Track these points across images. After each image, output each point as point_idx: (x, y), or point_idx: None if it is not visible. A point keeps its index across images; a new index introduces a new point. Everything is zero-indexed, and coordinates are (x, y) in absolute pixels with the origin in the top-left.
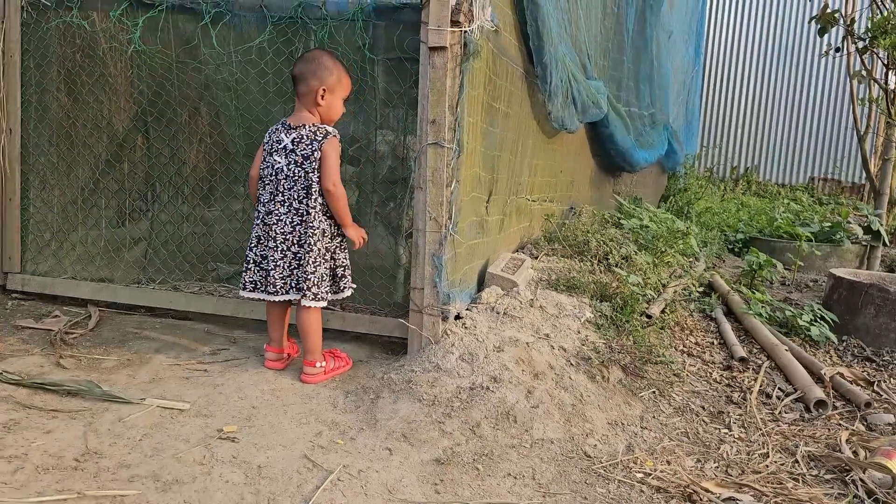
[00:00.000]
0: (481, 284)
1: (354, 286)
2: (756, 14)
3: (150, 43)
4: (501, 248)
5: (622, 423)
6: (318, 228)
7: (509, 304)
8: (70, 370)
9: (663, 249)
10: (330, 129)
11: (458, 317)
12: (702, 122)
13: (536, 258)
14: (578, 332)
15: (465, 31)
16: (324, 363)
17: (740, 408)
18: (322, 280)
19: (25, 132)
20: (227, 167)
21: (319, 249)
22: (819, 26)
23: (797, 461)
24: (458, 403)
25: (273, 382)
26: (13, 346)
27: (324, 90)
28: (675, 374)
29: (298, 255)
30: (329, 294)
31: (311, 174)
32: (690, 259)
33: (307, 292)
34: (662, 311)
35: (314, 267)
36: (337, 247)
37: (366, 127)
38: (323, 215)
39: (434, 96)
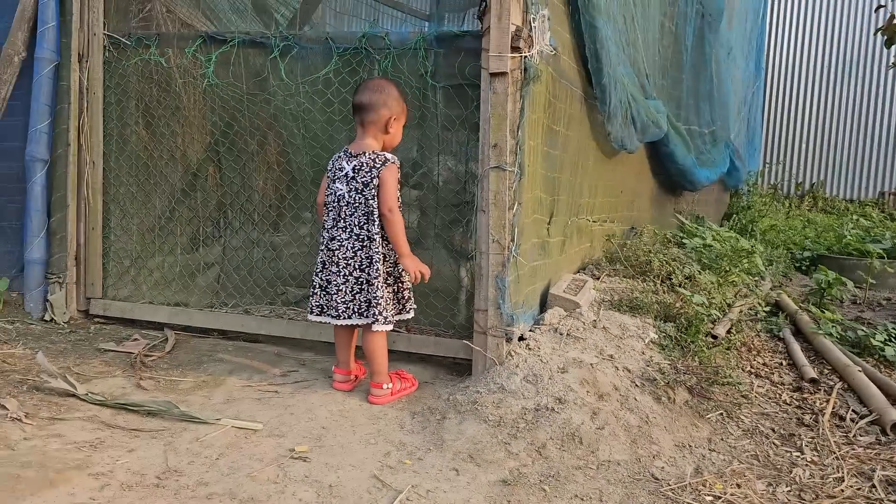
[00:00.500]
0: (544, 306)
1: (416, 307)
2: (818, 27)
3: (222, 77)
4: (563, 270)
5: (689, 445)
6: (378, 253)
7: (572, 325)
8: (150, 391)
9: (727, 269)
10: (389, 155)
11: (521, 338)
12: (764, 139)
13: (598, 279)
14: (643, 353)
15: (525, 57)
16: (390, 385)
17: (812, 430)
18: (386, 304)
19: (107, 164)
20: (295, 194)
21: (381, 274)
22: (885, 37)
23: (874, 486)
24: (524, 424)
25: (342, 403)
26: (97, 368)
27: (393, 119)
28: (742, 396)
29: (360, 279)
30: (393, 317)
31: (370, 200)
32: (756, 278)
33: (370, 317)
34: (728, 332)
35: (376, 291)
36: (401, 270)
37: (428, 152)
38: (383, 240)
39: (495, 121)
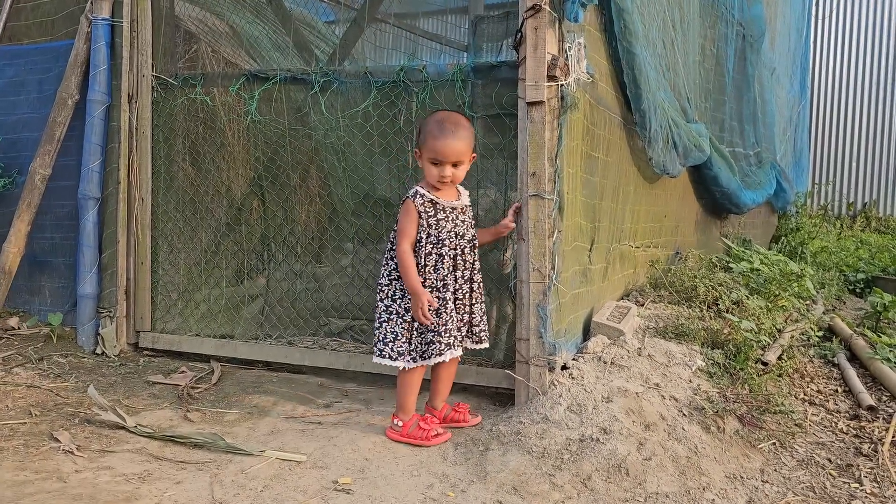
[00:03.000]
0: (587, 334)
1: (449, 350)
2: (866, 42)
3: (264, 113)
4: (606, 297)
5: (741, 477)
6: (381, 286)
7: (616, 354)
8: (196, 423)
9: (777, 293)
10: (414, 189)
11: (564, 367)
12: (812, 159)
13: (642, 305)
14: (690, 381)
15: (562, 85)
16: (400, 424)
17: (871, 460)
18: (385, 336)
19: (155, 200)
20: (337, 225)
21: (381, 306)
22: None
23: None
24: (568, 455)
25: (384, 434)
26: (145, 400)
27: (416, 155)
28: (796, 425)
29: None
30: (399, 353)
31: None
32: (807, 302)
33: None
34: (779, 358)
35: (378, 323)
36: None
37: (467, 181)
38: (388, 275)
39: (533, 149)
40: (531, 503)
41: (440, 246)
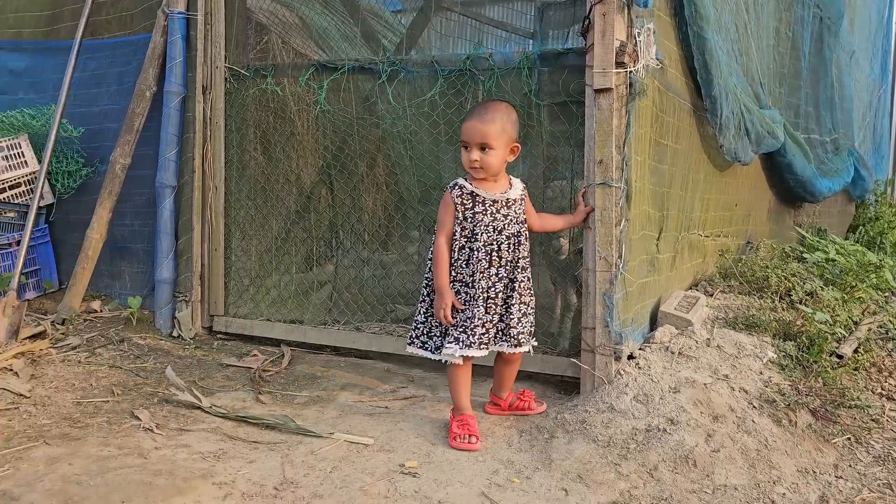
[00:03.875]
0: (654, 323)
1: (469, 350)
2: None
3: (333, 103)
4: (674, 286)
5: (813, 472)
6: (427, 277)
7: (684, 344)
8: (268, 405)
9: (853, 284)
10: (455, 180)
11: (630, 356)
12: (893, 145)
13: (711, 296)
14: (760, 374)
15: (630, 72)
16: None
17: None
18: (417, 326)
19: (228, 189)
20: (403, 214)
21: (422, 297)
22: None
23: None
24: (634, 445)
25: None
26: (219, 382)
27: None
28: (872, 420)
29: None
30: (423, 344)
31: None
32: (886, 294)
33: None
34: (855, 351)
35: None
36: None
37: (533, 170)
38: (429, 267)
39: (600, 137)
40: (597, 491)
41: (473, 240)
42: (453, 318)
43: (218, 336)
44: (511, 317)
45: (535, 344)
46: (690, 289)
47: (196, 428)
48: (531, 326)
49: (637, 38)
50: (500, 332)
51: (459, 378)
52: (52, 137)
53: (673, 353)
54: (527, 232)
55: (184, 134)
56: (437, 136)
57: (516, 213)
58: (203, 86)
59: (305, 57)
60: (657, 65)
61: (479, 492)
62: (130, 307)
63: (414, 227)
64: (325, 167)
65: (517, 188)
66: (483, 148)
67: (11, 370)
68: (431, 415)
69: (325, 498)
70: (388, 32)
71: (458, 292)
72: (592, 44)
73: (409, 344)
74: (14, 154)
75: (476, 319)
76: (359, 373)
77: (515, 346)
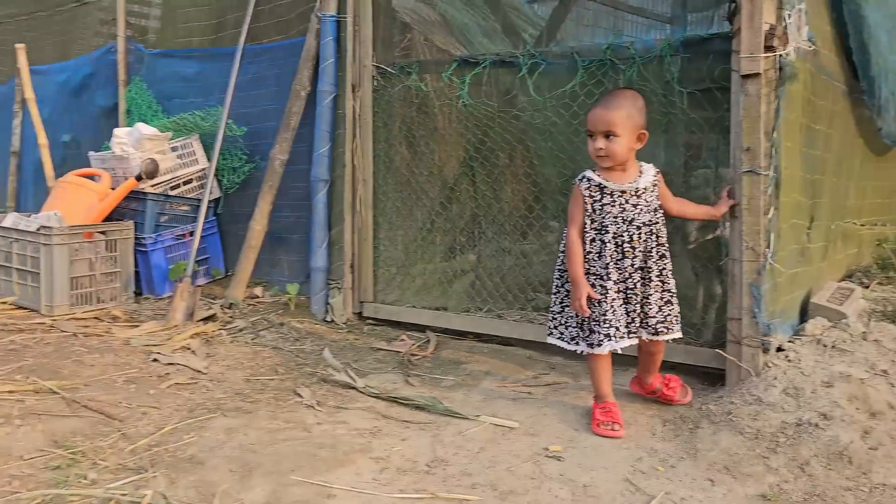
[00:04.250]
0: (804, 316)
1: (608, 342)
2: None
3: (475, 97)
4: (826, 278)
5: None
6: (559, 269)
7: (837, 337)
8: (416, 387)
9: None
10: (583, 173)
11: (779, 349)
12: None
13: (867, 287)
14: None
15: (780, 56)
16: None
17: None
18: (553, 318)
19: (376, 182)
20: (543, 204)
21: (555, 287)
22: None
23: None
24: (784, 439)
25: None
26: (371, 364)
27: None
28: None
29: None
30: (560, 335)
31: None
32: None
33: None
34: None
35: (552, 303)
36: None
37: (675, 158)
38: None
39: (748, 124)
40: (744, 483)
41: (603, 232)
42: (591, 310)
43: (367, 321)
44: (650, 306)
45: (680, 334)
46: (844, 280)
47: (352, 406)
48: (675, 315)
49: (787, 20)
50: (641, 322)
51: (600, 367)
52: (220, 137)
53: (825, 346)
54: (662, 219)
55: (335, 130)
56: (577, 127)
57: (647, 202)
58: (352, 84)
59: (447, 53)
60: (809, 47)
61: (623, 477)
62: (289, 293)
63: (554, 218)
64: (467, 160)
65: (648, 175)
66: (608, 135)
67: (189, 349)
68: (574, 401)
69: (473, 476)
70: (528, 26)
71: (593, 285)
72: (739, 28)
73: (549, 335)
74: (187, 153)
75: (614, 312)
76: (501, 359)
77: (653, 334)
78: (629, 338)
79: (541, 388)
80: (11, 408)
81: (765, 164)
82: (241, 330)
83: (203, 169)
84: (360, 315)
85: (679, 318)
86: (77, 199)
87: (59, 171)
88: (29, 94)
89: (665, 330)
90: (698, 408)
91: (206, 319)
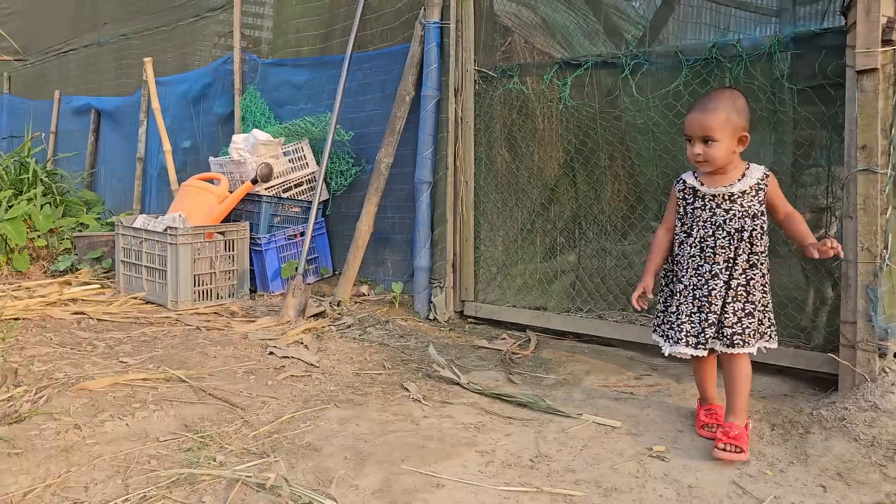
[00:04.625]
0: None
1: (671, 345)
2: None
3: (576, 98)
4: None
5: None
6: (665, 269)
7: None
8: (518, 385)
9: None
10: (681, 175)
11: None
12: None
13: None
14: None
15: None
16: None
17: None
18: (660, 316)
19: (477, 183)
20: (645, 205)
21: (667, 289)
22: None
23: None
24: None
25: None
26: (473, 361)
27: None
28: None
29: None
30: (664, 340)
31: None
32: None
33: None
34: None
35: (658, 302)
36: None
37: (785, 157)
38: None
39: (863, 121)
40: (859, 491)
41: (689, 236)
42: (661, 311)
43: (468, 320)
44: (727, 316)
45: (769, 346)
46: None
47: (457, 401)
48: (759, 327)
49: None
50: (717, 332)
51: (702, 368)
52: (329, 141)
53: None
54: (762, 226)
55: (438, 134)
56: (680, 126)
57: (744, 207)
58: (455, 88)
59: (548, 55)
60: None
61: (729, 480)
62: (393, 292)
63: (656, 219)
64: (567, 161)
65: (751, 178)
66: (706, 140)
67: (302, 343)
68: (677, 402)
69: (577, 472)
70: (630, 26)
71: (671, 286)
72: (854, 22)
73: (654, 331)
74: (298, 157)
75: (683, 316)
76: (602, 359)
77: (728, 346)
78: (696, 348)
79: (643, 388)
80: (147, 394)
81: (882, 162)
82: (349, 326)
83: (313, 172)
84: (461, 313)
85: (763, 335)
86: (199, 202)
87: (181, 176)
88: (155, 103)
89: (741, 343)
90: (809, 413)
91: (317, 316)
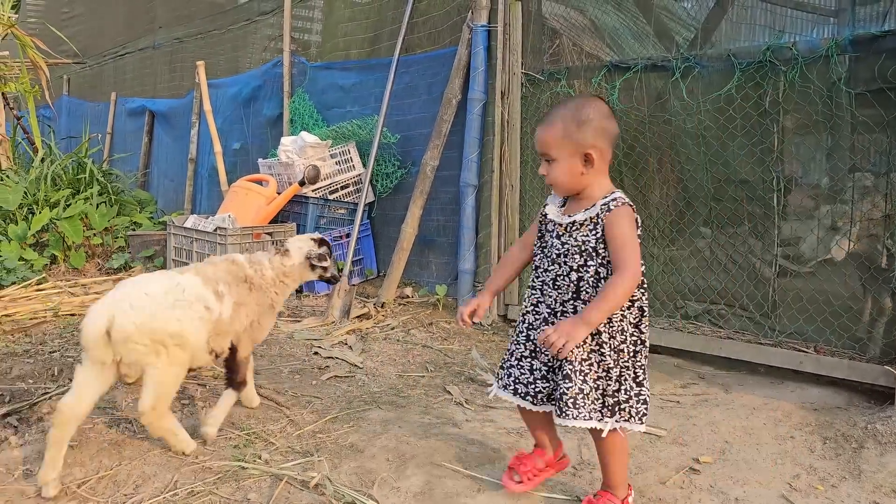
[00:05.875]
0: None
1: (496, 388)
2: None
3: (625, 101)
4: None
5: None
6: None
7: None
8: None
9: None
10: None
11: None
12: None
13: None
14: None
15: None
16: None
17: None
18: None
19: (523, 187)
20: (694, 210)
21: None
22: None
23: None
24: None
25: (745, 420)
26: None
27: None
28: None
29: None
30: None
31: None
32: None
33: None
34: None
35: None
36: None
37: (842, 163)
38: None
39: None
40: None
41: (536, 267)
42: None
43: (512, 324)
44: (556, 372)
45: (632, 427)
46: None
47: (499, 406)
48: (601, 398)
49: None
50: (553, 389)
51: (527, 417)
52: (375, 144)
53: None
54: (602, 268)
55: (484, 137)
56: (732, 131)
57: (577, 242)
58: (502, 92)
59: (596, 58)
60: None
61: (778, 493)
62: (437, 294)
63: (705, 223)
64: (615, 165)
65: (594, 209)
66: (548, 159)
67: (346, 344)
68: (725, 413)
69: None
70: (681, 28)
71: (523, 320)
72: None
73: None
74: (344, 159)
75: (513, 357)
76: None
77: (558, 413)
78: (524, 398)
79: (689, 397)
80: (195, 391)
81: None
82: (392, 328)
83: (359, 174)
84: (504, 318)
85: (617, 411)
86: (248, 203)
87: (230, 177)
88: (207, 106)
89: (570, 413)
90: (863, 427)
91: (361, 317)
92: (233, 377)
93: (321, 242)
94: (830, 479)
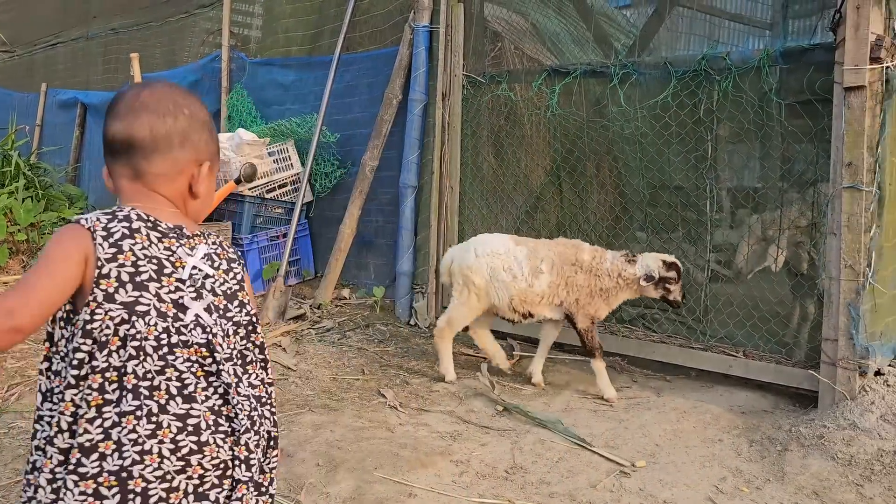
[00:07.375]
0: None
1: None
2: None
3: (564, 106)
4: None
5: None
6: None
7: None
8: (498, 393)
9: None
10: None
11: (878, 373)
12: None
13: None
14: None
15: (888, 68)
16: None
17: None
18: None
19: (463, 189)
20: (630, 215)
21: None
22: None
23: None
24: (880, 467)
25: (675, 423)
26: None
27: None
28: None
29: None
30: None
31: None
32: None
33: None
34: None
35: None
36: None
37: (770, 172)
38: None
39: (850, 138)
40: None
41: None
42: None
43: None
44: None
45: None
46: None
47: (434, 409)
48: None
49: None
50: None
51: None
52: (314, 143)
53: None
54: None
55: (424, 138)
56: (668, 137)
57: None
58: (443, 93)
59: (537, 62)
60: None
61: (705, 496)
62: (375, 296)
63: (640, 228)
64: (554, 169)
65: None
66: None
67: (280, 346)
68: (657, 417)
69: (552, 486)
70: (621, 35)
71: None
72: (843, 39)
73: None
74: (283, 158)
75: None
76: (583, 370)
77: None
78: None
79: (622, 401)
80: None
81: (867, 180)
82: (328, 330)
83: (297, 173)
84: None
85: None
86: None
87: None
88: None
89: None
90: (788, 430)
91: (296, 318)
92: (584, 345)
93: (670, 266)
94: (755, 481)
